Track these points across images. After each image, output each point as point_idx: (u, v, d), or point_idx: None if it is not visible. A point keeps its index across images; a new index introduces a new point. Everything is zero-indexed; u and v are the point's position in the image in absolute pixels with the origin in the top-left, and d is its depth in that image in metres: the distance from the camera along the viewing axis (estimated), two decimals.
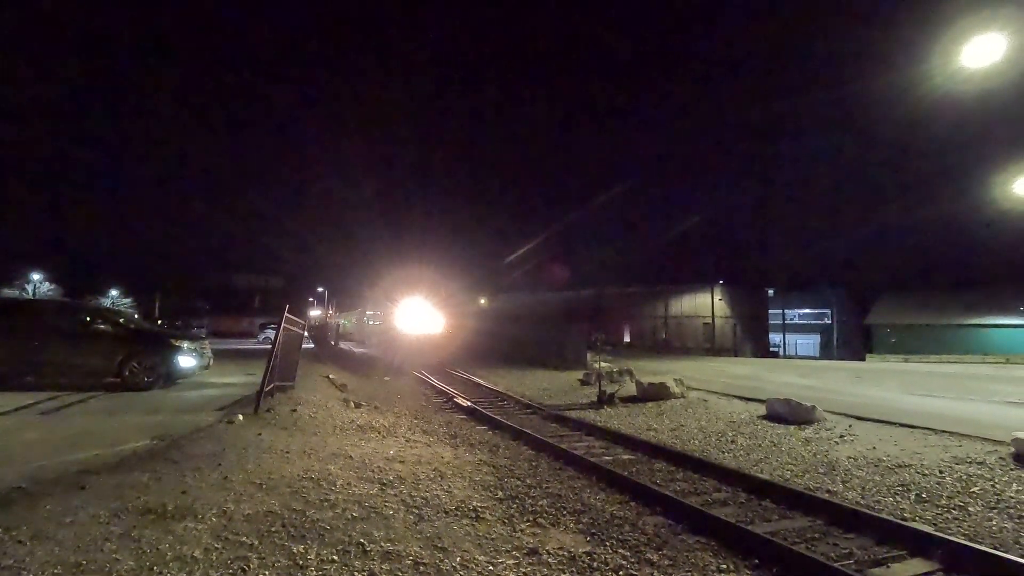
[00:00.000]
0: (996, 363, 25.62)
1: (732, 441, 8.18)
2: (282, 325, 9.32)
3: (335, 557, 3.48)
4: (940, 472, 6.09)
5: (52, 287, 52.51)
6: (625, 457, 7.37)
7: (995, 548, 4.12)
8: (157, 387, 10.13)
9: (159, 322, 43.37)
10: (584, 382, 14.77)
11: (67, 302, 19.00)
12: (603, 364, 14.57)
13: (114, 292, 58.38)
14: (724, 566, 3.95)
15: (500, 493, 5.38)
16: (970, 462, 6.36)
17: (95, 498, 4.11)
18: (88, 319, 10.73)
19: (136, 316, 23.01)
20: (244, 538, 3.60)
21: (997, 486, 5.59)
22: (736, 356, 38.45)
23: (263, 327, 39.32)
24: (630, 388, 13.06)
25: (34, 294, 48.05)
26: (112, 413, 7.85)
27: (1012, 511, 4.98)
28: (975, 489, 5.54)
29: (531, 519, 4.68)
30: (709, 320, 43.28)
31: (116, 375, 9.97)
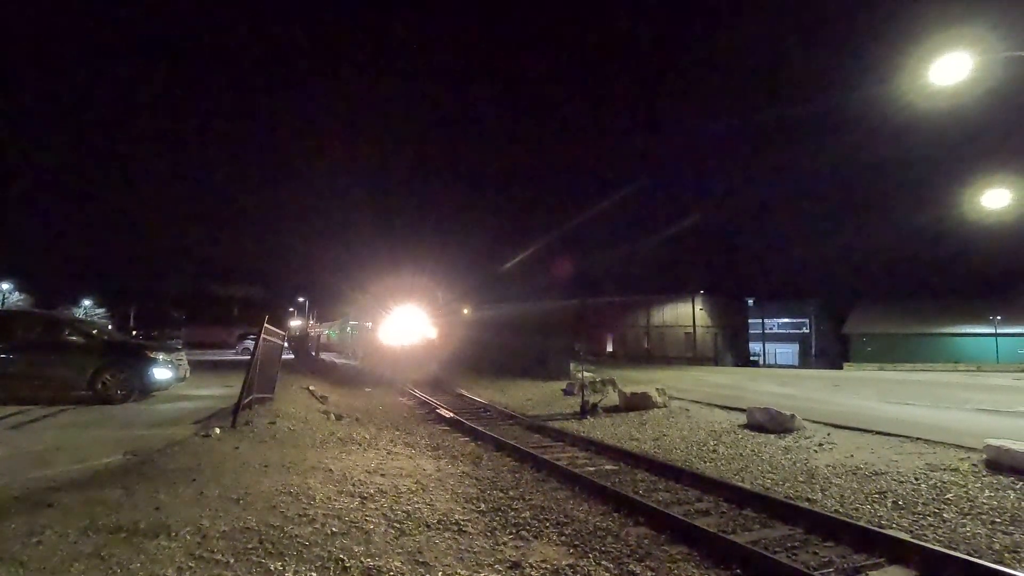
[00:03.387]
0: (967, 371, 26.31)
1: (714, 450, 8.24)
2: (261, 336, 9.17)
3: (314, 574, 3.41)
4: (916, 479, 6.20)
5: (22, 297, 51.03)
6: (608, 467, 7.37)
7: (969, 554, 4.20)
8: (131, 400, 9.86)
9: (134, 333, 42.37)
10: (567, 392, 14.77)
11: (36, 312, 18.45)
12: (586, 374, 14.61)
13: (87, 302, 56.99)
14: None
15: (483, 505, 5.34)
16: (944, 469, 6.48)
17: (63, 516, 3.97)
18: (58, 330, 10.43)
19: (109, 327, 22.43)
20: (219, 556, 3.51)
21: (970, 492, 5.70)
22: (717, 365, 38.90)
23: (241, 338, 38.62)
24: (613, 398, 13.10)
25: (2, 304, 46.65)
26: (83, 427, 7.62)
27: (985, 517, 5.08)
28: (949, 496, 5.65)
29: (514, 532, 4.64)
30: (691, 330, 43.75)
31: (88, 388, 9.68)
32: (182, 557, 3.44)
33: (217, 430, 7.41)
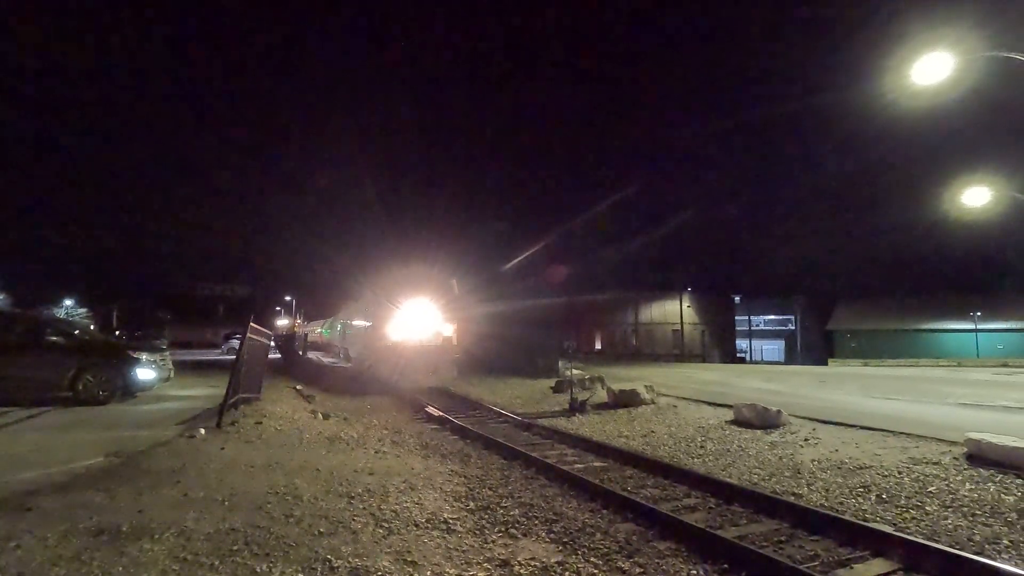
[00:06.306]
0: (949, 366, 26.76)
1: (701, 446, 8.29)
2: (246, 335, 9.07)
3: (300, 574, 3.38)
4: (899, 473, 6.28)
5: (0, 297, 49.99)
6: (596, 464, 7.39)
7: (951, 546, 4.26)
8: (114, 401, 9.72)
9: (116, 333, 41.69)
10: (556, 390, 14.78)
11: (14, 312, 18.10)
12: (574, 371, 14.61)
13: (68, 302, 55.94)
14: (694, 572, 3.98)
15: (471, 504, 5.33)
16: (926, 462, 6.58)
17: (43, 520, 3.90)
18: (38, 330, 10.25)
19: (91, 327, 22.04)
20: (204, 558, 3.46)
21: (952, 485, 5.79)
22: (704, 362, 39.22)
23: (227, 337, 38.24)
24: (601, 395, 13.14)
25: None
26: (64, 429, 7.50)
27: (966, 509, 5.16)
28: (931, 489, 5.73)
29: (503, 529, 4.64)
30: (678, 327, 44.03)
31: (69, 389, 9.52)
32: (166, 560, 3.39)
33: (202, 431, 7.32)
